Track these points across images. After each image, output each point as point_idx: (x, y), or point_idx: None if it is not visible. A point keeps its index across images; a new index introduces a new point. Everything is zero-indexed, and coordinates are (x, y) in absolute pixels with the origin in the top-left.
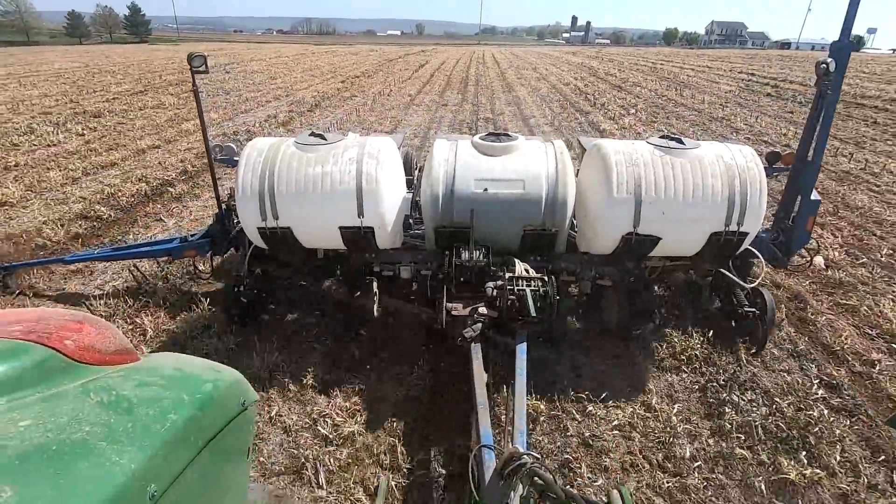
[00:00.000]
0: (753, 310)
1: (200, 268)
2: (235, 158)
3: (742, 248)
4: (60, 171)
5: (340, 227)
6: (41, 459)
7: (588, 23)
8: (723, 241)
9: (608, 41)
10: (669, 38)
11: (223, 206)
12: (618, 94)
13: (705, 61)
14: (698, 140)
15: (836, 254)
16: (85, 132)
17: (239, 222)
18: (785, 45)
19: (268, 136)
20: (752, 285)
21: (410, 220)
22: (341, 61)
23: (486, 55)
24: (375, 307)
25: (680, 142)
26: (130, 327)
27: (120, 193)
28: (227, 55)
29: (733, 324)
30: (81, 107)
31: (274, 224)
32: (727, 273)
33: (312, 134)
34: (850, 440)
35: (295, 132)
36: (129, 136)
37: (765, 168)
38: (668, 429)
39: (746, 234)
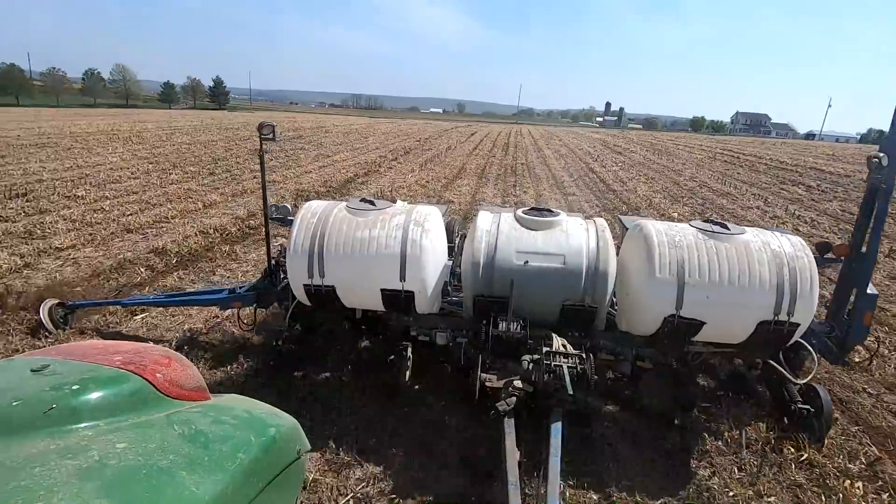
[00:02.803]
0: (807, 407)
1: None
2: (290, 218)
3: (793, 340)
4: (298, 168)
5: (382, 290)
6: (133, 481)
7: (621, 108)
8: (772, 330)
9: (640, 126)
10: (697, 126)
11: (273, 261)
12: (616, 156)
13: (704, 143)
14: (743, 227)
15: None
16: (280, 155)
17: (286, 278)
18: (810, 136)
19: (323, 200)
20: (804, 380)
21: (449, 287)
22: (406, 129)
23: (523, 130)
24: (408, 373)
25: (724, 226)
26: None
27: (335, 179)
28: (311, 122)
29: (785, 420)
30: (249, 147)
31: (319, 282)
32: (778, 366)
33: (363, 200)
34: None
35: (402, 165)
36: (305, 161)
37: (815, 258)
38: None
39: (798, 325)
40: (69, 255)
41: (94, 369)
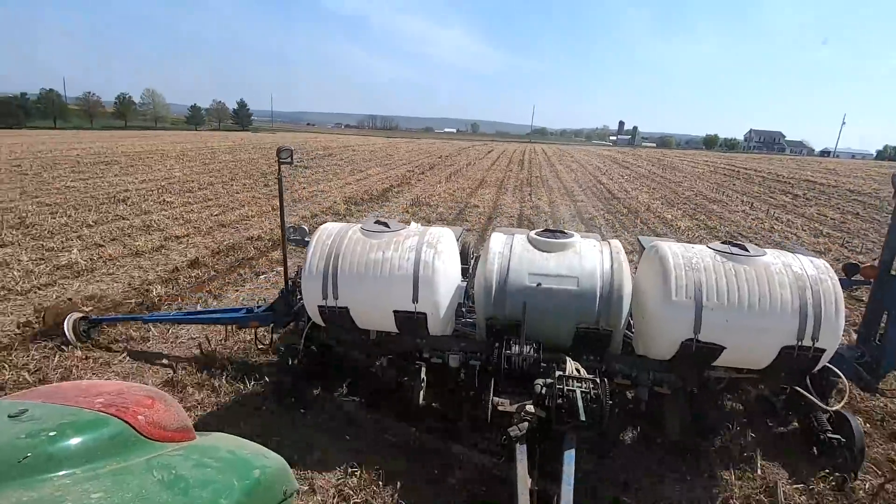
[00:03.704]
0: (838, 437)
1: (261, 339)
2: (306, 239)
3: (819, 366)
4: (338, 181)
5: (395, 311)
6: None
7: (635, 127)
8: (796, 356)
9: (654, 144)
10: (710, 143)
11: (289, 282)
12: (622, 170)
13: (710, 159)
14: (764, 249)
15: None
16: (319, 170)
17: (301, 299)
18: (825, 153)
19: (338, 222)
20: (834, 408)
21: (463, 309)
22: (427, 147)
23: (537, 148)
24: (422, 394)
25: (744, 248)
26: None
27: (374, 189)
28: (336, 142)
29: (814, 450)
30: (296, 160)
31: (333, 303)
32: (805, 392)
33: (378, 221)
34: None
35: (429, 177)
36: (343, 175)
37: (842, 280)
38: None
39: (823, 350)
40: (188, 240)
41: (74, 413)
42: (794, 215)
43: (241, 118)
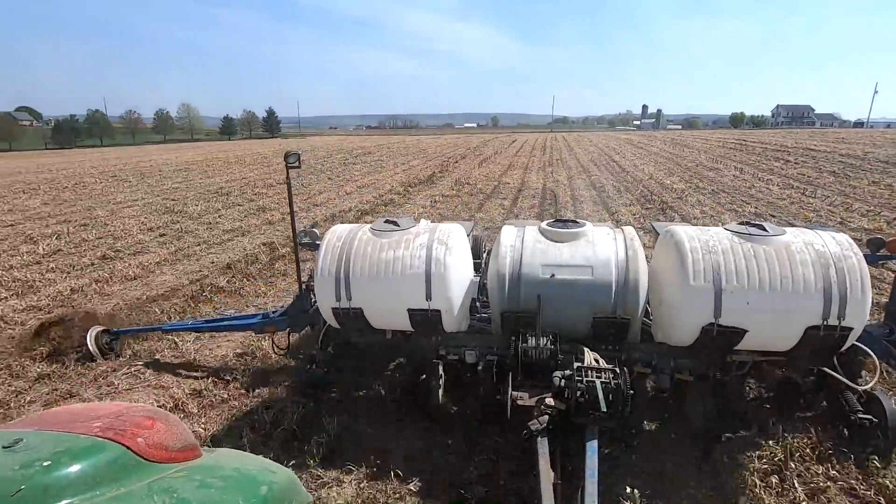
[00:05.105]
0: (869, 417)
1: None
2: (317, 242)
3: (847, 345)
4: (386, 172)
5: (409, 310)
6: None
7: (659, 110)
8: (822, 336)
9: (679, 126)
10: (736, 121)
11: (303, 286)
12: (635, 150)
13: (724, 136)
14: (783, 227)
15: None
16: (365, 165)
17: (316, 302)
18: (859, 124)
19: (348, 224)
20: (863, 387)
21: (478, 304)
22: (454, 141)
23: (558, 136)
24: (440, 392)
25: (762, 228)
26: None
27: (421, 175)
28: (368, 143)
29: (845, 432)
30: (335, 161)
31: (347, 305)
32: (833, 373)
33: (387, 221)
34: None
35: (464, 165)
36: (388, 167)
37: (867, 256)
38: None
39: (850, 329)
40: (298, 214)
41: (70, 440)
42: (776, 176)
43: (270, 126)
